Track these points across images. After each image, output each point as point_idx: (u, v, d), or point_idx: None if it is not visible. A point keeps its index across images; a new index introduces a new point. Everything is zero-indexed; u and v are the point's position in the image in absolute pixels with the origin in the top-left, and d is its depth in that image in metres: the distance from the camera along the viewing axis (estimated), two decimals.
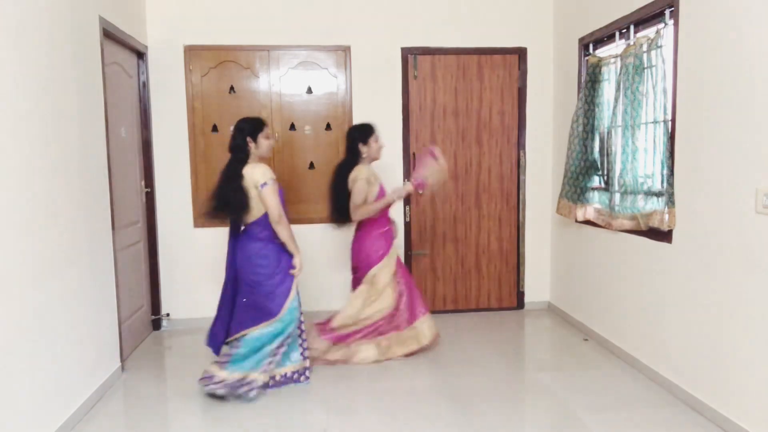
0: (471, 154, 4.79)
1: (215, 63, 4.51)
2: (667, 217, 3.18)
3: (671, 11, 3.16)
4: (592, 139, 3.96)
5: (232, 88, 4.55)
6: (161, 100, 4.45)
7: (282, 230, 3.19)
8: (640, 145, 3.40)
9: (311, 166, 4.66)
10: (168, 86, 4.46)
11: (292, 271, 3.27)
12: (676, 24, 3.10)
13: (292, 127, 4.62)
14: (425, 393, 3.29)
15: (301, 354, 3.41)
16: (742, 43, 2.63)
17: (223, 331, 3.35)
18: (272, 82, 4.57)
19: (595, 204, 3.98)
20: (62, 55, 2.96)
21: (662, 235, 3.25)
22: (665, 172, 3.19)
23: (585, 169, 3.99)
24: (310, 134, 4.65)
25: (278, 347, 3.27)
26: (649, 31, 3.38)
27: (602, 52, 3.98)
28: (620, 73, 3.55)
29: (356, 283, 3.81)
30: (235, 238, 3.29)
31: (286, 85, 4.59)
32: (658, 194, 3.28)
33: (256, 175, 3.12)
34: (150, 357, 4.01)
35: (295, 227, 4.56)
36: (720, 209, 2.79)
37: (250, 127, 3.22)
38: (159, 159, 4.48)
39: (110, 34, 3.64)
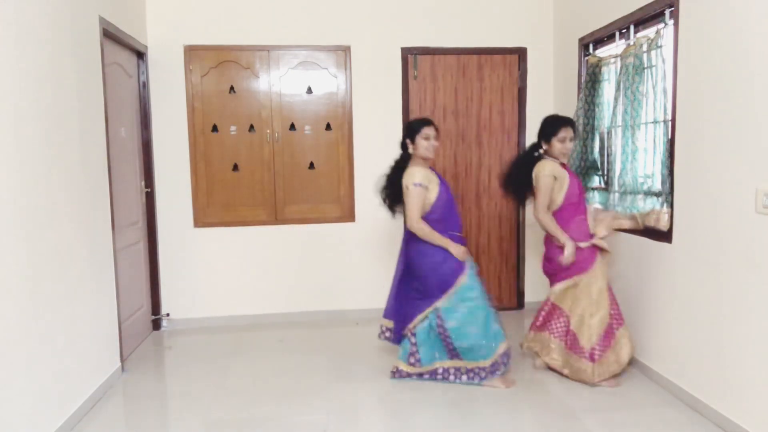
0: (471, 154, 4.79)
1: (215, 63, 4.51)
2: (666, 216, 3.18)
3: (671, 11, 3.16)
4: (592, 139, 3.96)
5: (232, 88, 4.55)
6: (161, 100, 4.45)
7: (417, 231, 3.27)
8: (640, 145, 3.40)
9: (311, 166, 4.66)
10: (168, 86, 4.46)
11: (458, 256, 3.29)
12: (676, 24, 3.10)
13: (292, 127, 4.62)
14: (425, 393, 3.29)
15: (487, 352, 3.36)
16: (742, 42, 2.63)
17: (395, 318, 3.58)
18: (272, 82, 4.57)
19: (595, 204, 3.98)
20: (62, 56, 2.96)
21: (662, 235, 3.25)
22: (665, 172, 3.19)
23: (585, 169, 3.99)
24: (310, 134, 4.65)
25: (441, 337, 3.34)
26: (649, 31, 3.38)
27: (602, 52, 3.98)
28: (620, 73, 3.55)
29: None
30: (407, 232, 3.43)
31: (286, 85, 4.59)
32: (658, 194, 3.28)
33: (406, 177, 3.30)
34: (150, 357, 4.01)
35: (295, 227, 4.64)
36: (720, 209, 2.79)
37: (408, 129, 3.40)
38: (159, 159, 4.48)
39: (110, 34, 3.64)
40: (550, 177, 3.33)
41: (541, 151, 3.43)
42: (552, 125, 3.40)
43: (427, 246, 3.29)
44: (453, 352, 3.34)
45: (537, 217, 3.41)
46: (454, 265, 3.29)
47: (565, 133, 3.36)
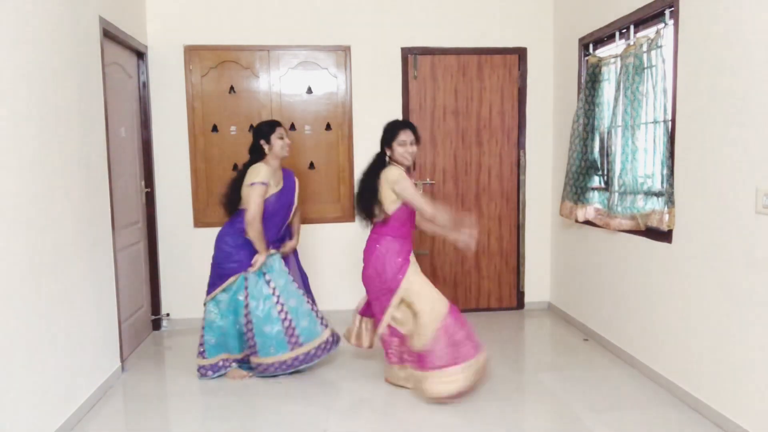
0: (471, 154, 4.79)
1: (215, 63, 4.51)
2: (666, 217, 3.18)
3: (671, 11, 3.16)
4: (592, 139, 3.96)
5: (232, 88, 4.55)
6: (161, 100, 4.45)
7: (250, 230, 3.33)
8: (640, 145, 3.40)
9: (311, 166, 4.66)
10: (168, 86, 4.46)
11: (249, 269, 3.40)
12: (676, 24, 3.10)
13: (292, 127, 4.62)
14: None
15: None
16: (742, 42, 2.63)
17: None
18: (272, 82, 4.57)
19: (595, 204, 3.98)
20: (62, 55, 2.96)
21: (662, 235, 3.25)
22: (665, 172, 3.19)
23: (585, 169, 3.99)
24: (310, 134, 4.66)
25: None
26: (649, 31, 3.38)
27: (602, 52, 3.98)
28: (620, 73, 3.55)
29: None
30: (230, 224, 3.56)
31: (286, 85, 4.59)
32: (658, 194, 3.28)
33: (251, 175, 3.37)
34: (150, 357, 4.01)
35: None
36: (720, 209, 2.79)
37: (264, 130, 3.47)
38: (159, 159, 4.48)
39: (110, 34, 3.64)
40: (405, 178, 3.14)
41: (387, 158, 3.24)
42: (390, 130, 3.24)
43: (228, 244, 3.44)
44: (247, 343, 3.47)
45: (431, 220, 3.16)
46: (236, 267, 3.41)
47: (405, 136, 3.19)
